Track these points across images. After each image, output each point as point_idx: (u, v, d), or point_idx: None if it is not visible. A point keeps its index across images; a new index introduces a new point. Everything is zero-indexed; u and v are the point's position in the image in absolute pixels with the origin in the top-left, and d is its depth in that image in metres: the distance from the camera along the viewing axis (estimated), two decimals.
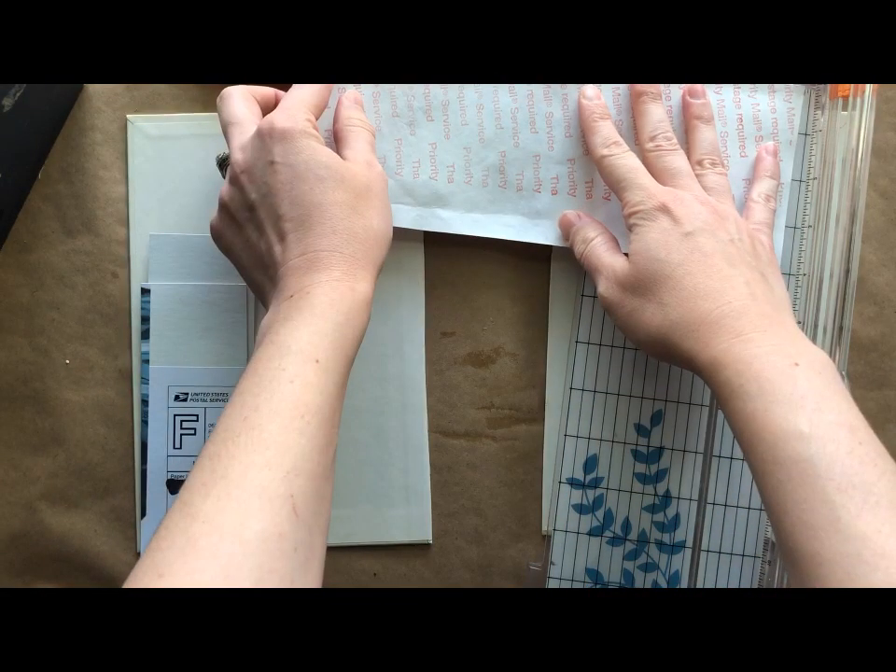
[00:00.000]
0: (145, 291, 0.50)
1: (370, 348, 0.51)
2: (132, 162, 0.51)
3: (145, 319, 0.50)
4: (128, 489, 0.51)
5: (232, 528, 0.33)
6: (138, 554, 0.50)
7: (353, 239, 0.42)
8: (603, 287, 0.45)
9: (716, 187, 0.46)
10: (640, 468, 0.50)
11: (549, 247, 0.50)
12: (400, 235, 0.50)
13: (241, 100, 0.45)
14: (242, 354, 0.50)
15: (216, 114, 0.50)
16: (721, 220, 0.43)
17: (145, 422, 0.50)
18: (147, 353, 0.50)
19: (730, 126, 0.49)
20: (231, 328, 0.50)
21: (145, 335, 0.50)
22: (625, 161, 0.45)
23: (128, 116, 0.50)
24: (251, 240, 0.43)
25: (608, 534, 0.50)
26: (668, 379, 0.50)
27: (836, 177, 0.49)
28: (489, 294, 0.51)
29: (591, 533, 0.50)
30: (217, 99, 0.45)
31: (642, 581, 0.50)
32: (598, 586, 0.50)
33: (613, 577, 0.50)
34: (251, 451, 0.35)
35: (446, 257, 0.51)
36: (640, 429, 0.50)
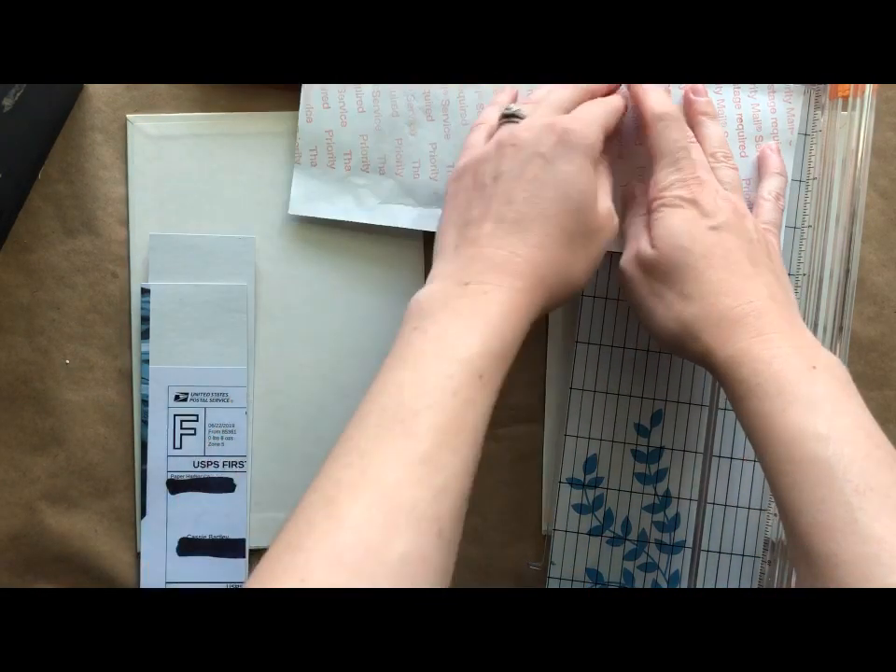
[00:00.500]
0: (145, 291, 0.50)
1: (369, 348, 0.51)
2: (132, 162, 0.51)
3: (145, 319, 0.50)
4: (128, 489, 0.51)
5: (378, 546, 0.32)
6: (138, 555, 0.50)
7: (553, 266, 0.40)
8: (624, 259, 0.45)
9: (730, 181, 0.45)
10: (640, 468, 0.50)
11: None
12: (401, 235, 0.50)
13: None
14: (242, 354, 0.50)
15: (216, 114, 0.50)
16: (741, 218, 0.43)
17: (145, 422, 0.50)
18: (146, 353, 0.50)
19: (730, 126, 0.49)
20: (231, 328, 0.50)
21: (145, 335, 0.50)
22: (679, 135, 0.44)
23: (128, 116, 0.50)
24: (472, 202, 0.42)
25: (607, 534, 0.50)
26: (668, 379, 0.50)
27: (836, 177, 0.49)
28: None
29: (591, 533, 0.50)
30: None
31: (642, 580, 0.50)
32: (598, 586, 0.50)
33: (613, 577, 0.50)
34: (405, 461, 0.34)
35: None
36: (640, 429, 0.50)
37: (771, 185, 0.47)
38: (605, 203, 0.43)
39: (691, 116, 0.47)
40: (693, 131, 0.47)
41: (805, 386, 0.38)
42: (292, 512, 0.35)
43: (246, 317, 0.50)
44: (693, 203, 0.43)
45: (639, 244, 0.44)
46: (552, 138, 0.41)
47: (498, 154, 0.42)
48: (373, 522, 0.32)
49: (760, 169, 0.48)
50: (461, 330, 0.37)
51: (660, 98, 0.45)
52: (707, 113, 0.47)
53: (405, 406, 0.35)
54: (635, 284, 0.44)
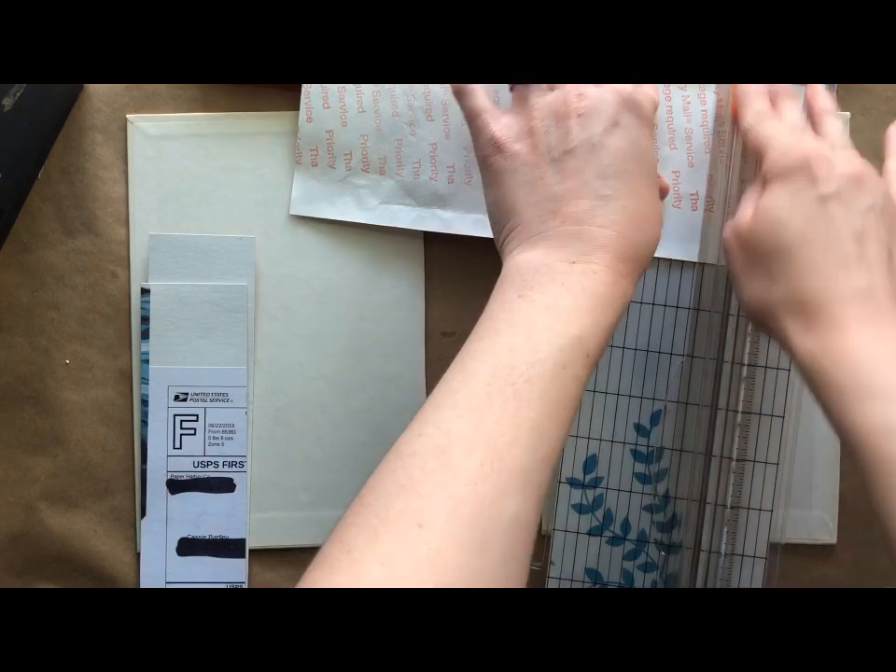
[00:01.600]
0: (144, 291, 0.50)
1: (370, 348, 0.51)
2: (132, 162, 0.51)
3: (145, 319, 0.50)
4: (128, 489, 0.51)
5: (492, 503, 0.32)
6: (138, 555, 0.50)
7: (646, 239, 0.40)
8: (727, 227, 0.43)
9: (840, 135, 0.43)
10: (640, 468, 0.50)
11: None
12: (401, 235, 0.50)
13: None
14: (241, 354, 0.50)
15: (216, 114, 0.50)
16: (858, 185, 0.40)
17: (144, 422, 0.50)
18: (146, 353, 0.50)
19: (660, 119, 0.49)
20: (230, 328, 0.50)
21: (145, 335, 0.50)
22: (771, 128, 0.43)
23: (128, 116, 0.50)
24: (544, 179, 0.40)
25: (607, 534, 0.50)
26: (668, 379, 0.50)
27: None
28: (489, 294, 0.51)
29: (590, 533, 0.50)
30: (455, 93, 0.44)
31: (642, 580, 0.50)
32: (598, 586, 0.50)
33: (613, 577, 0.50)
34: (517, 425, 0.34)
35: (446, 257, 0.51)
36: (640, 429, 0.50)
37: None
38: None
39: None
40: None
41: (884, 378, 0.36)
42: (393, 452, 0.35)
43: (246, 317, 0.50)
44: (806, 168, 0.40)
45: (743, 213, 0.42)
46: (618, 106, 0.40)
47: (564, 128, 0.40)
48: (487, 479, 0.33)
49: (888, 147, 0.46)
50: (571, 306, 0.37)
51: (757, 101, 0.45)
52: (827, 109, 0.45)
53: (517, 371, 0.35)
54: (730, 254, 0.42)
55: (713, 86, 0.49)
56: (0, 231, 0.49)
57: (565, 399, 0.36)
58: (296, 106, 0.50)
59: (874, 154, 0.51)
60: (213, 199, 0.51)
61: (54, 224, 0.50)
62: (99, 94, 0.50)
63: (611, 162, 0.39)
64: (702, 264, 0.50)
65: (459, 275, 0.51)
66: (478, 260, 0.51)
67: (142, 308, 0.50)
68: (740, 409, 0.49)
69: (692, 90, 0.49)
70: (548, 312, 0.37)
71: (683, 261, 0.50)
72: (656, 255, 0.49)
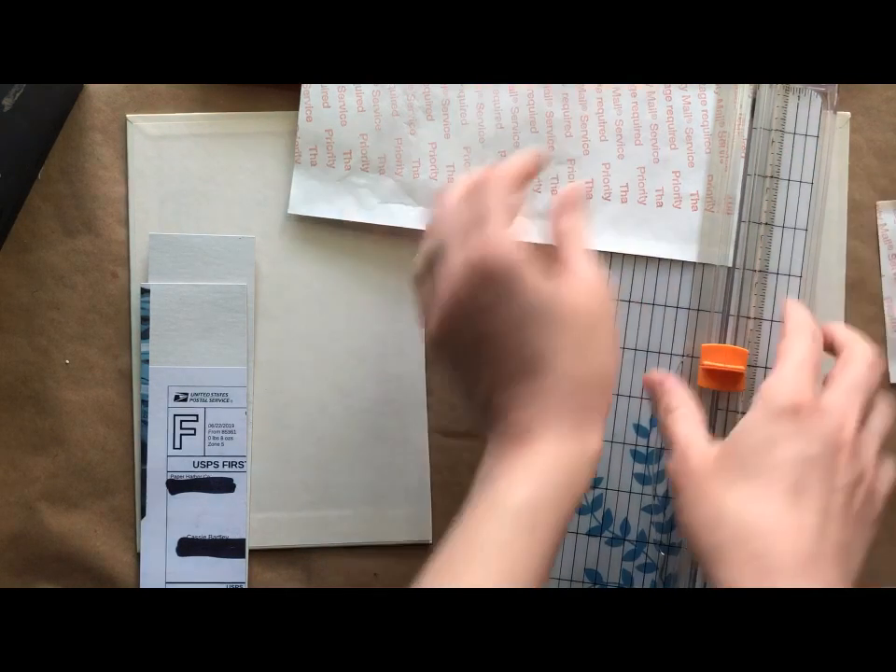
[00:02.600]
0: (144, 291, 0.50)
1: (370, 348, 0.51)
2: (131, 162, 0.51)
3: (144, 319, 0.50)
4: (128, 489, 0.51)
5: None
6: (138, 555, 0.50)
7: (582, 388, 0.38)
8: (671, 462, 0.42)
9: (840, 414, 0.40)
10: (640, 468, 0.50)
11: None
12: (401, 235, 0.50)
13: (458, 208, 0.40)
14: (241, 354, 0.50)
15: (216, 114, 0.50)
16: (837, 457, 0.39)
17: (144, 422, 0.50)
18: (146, 353, 0.50)
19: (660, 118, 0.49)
20: (231, 327, 0.50)
21: (144, 335, 0.50)
22: (805, 349, 0.41)
23: (128, 116, 0.50)
24: (466, 377, 0.40)
25: (607, 534, 0.50)
26: None
27: (833, 178, 0.50)
28: None
29: (590, 533, 0.50)
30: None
31: (641, 581, 0.50)
32: (597, 586, 0.50)
33: (612, 577, 0.50)
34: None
35: None
36: (640, 429, 0.50)
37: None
38: (578, 281, 0.39)
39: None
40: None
41: None
42: None
43: (246, 317, 0.50)
44: (795, 415, 0.39)
45: (687, 444, 0.41)
46: (484, 283, 0.38)
47: (454, 329, 0.39)
48: None
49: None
50: (510, 485, 0.38)
51: (803, 313, 0.43)
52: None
53: (464, 554, 0.37)
54: (682, 486, 0.41)
55: (713, 86, 0.49)
56: (0, 231, 0.49)
57: (505, 578, 0.36)
58: (296, 106, 0.50)
59: (874, 154, 0.51)
60: (213, 199, 0.51)
61: (54, 224, 0.50)
62: (99, 94, 0.50)
63: (505, 345, 0.38)
64: (702, 264, 0.50)
65: None
66: None
67: (142, 308, 0.50)
68: (740, 409, 0.49)
69: (692, 90, 0.49)
70: (489, 503, 0.38)
71: (683, 261, 0.50)
72: (656, 255, 0.50)
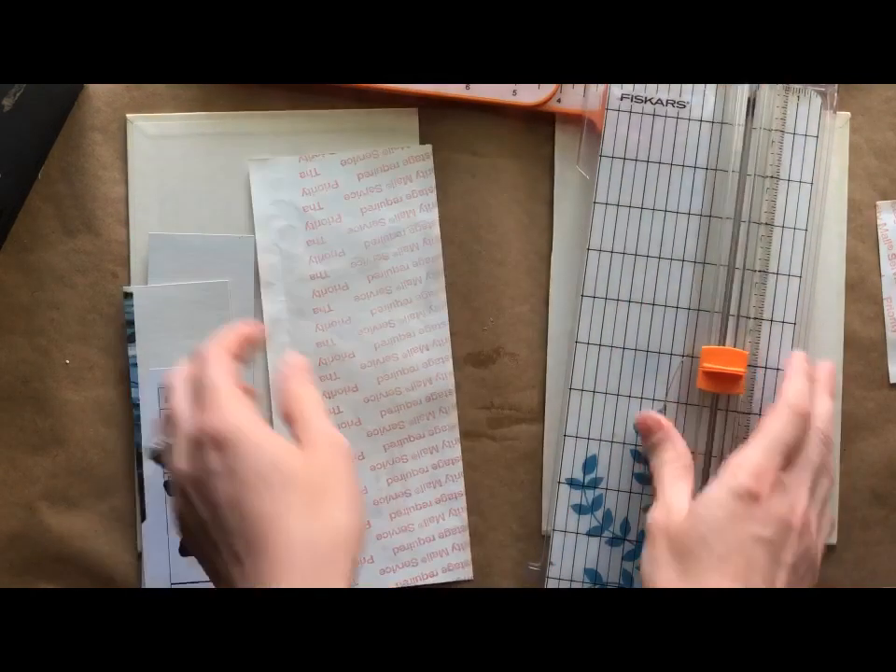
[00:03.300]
0: (127, 295, 0.50)
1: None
2: (131, 162, 0.50)
3: (129, 323, 0.50)
4: (128, 489, 0.51)
5: None
6: (139, 555, 0.50)
7: (314, 548, 0.36)
8: (654, 510, 0.44)
9: (819, 493, 0.43)
10: (640, 468, 0.50)
11: (549, 247, 0.51)
12: None
13: (181, 386, 0.40)
14: None
15: (216, 113, 0.50)
16: (788, 536, 0.41)
17: (138, 425, 0.50)
18: (134, 356, 0.50)
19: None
20: (216, 326, 0.50)
21: (131, 339, 0.50)
22: (792, 432, 0.43)
23: (128, 116, 0.50)
24: (210, 557, 0.38)
25: (607, 534, 0.50)
26: (668, 379, 0.50)
27: (833, 178, 0.50)
28: (489, 294, 0.51)
29: (590, 533, 0.50)
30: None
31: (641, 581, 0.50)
32: (597, 586, 0.50)
33: (612, 577, 0.50)
34: None
35: (446, 257, 0.51)
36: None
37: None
38: (312, 438, 0.39)
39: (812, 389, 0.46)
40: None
41: None
42: None
43: (229, 314, 0.50)
44: (754, 501, 0.41)
45: (670, 505, 0.43)
46: (205, 451, 0.37)
47: (186, 501, 0.39)
48: None
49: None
50: None
51: (799, 388, 0.45)
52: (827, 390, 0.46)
53: None
54: (653, 541, 0.42)
55: (713, 86, 0.49)
56: (0, 231, 0.49)
57: None
58: (296, 106, 0.50)
59: (874, 154, 0.51)
60: (213, 199, 0.51)
61: (54, 224, 0.50)
62: (99, 94, 0.50)
63: (233, 513, 0.37)
64: (702, 264, 0.50)
65: (459, 275, 0.51)
66: (478, 260, 0.51)
67: (126, 312, 0.50)
68: (740, 409, 0.49)
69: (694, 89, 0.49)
70: None
71: (683, 261, 0.50)
72: (655, 255, 0.50)
